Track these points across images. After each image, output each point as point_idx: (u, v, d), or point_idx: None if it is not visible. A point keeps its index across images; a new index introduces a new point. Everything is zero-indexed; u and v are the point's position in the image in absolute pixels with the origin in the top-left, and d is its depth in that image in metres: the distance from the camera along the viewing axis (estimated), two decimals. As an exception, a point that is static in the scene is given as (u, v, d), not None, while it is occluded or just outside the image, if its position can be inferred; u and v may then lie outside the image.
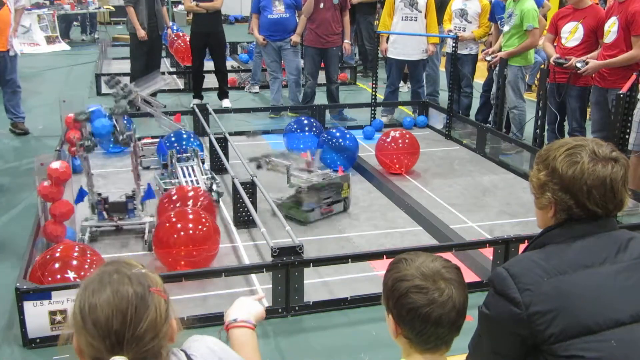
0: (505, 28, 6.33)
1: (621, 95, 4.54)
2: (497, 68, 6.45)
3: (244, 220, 4.50)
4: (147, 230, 4.17)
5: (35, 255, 3.50)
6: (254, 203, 4.47)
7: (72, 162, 5.36)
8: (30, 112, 7.21)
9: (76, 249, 3.34)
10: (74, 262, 3.23)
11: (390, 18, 7.32)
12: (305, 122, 6.38)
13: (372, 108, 7.50)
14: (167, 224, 3.75)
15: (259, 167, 4.93)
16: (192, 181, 4.89)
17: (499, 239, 3.74)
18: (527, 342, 1.56)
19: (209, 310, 3.36)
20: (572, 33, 5.51)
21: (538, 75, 7.47)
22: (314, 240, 4.33)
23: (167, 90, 9.27)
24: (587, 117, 5.90)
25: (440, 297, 1.48)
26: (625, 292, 1.56)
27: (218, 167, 5.56)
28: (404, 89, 8.97)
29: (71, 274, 3.16)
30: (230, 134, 5.98)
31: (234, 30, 14.51)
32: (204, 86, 8.50)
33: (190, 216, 3.81)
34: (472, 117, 7.22)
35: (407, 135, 5.78)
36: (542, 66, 6.38)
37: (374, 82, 7.48)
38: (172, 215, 3.81)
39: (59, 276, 3.14)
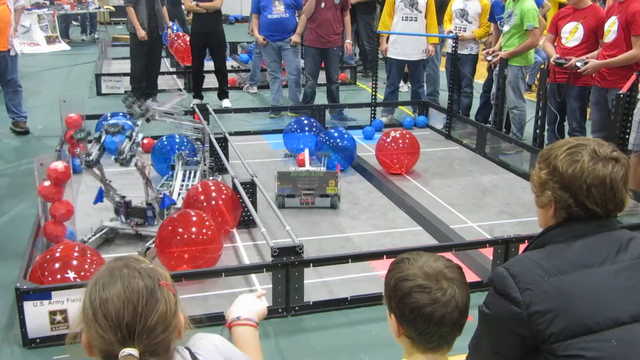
0: (505, 28, 6.33)
1: (621, 95, 4.54)
2: (497, 68, 6.46)
3: (244, 220, 4.50)
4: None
5: (35, 255, 3.50)
6: (254, 203, 4.47)
7: (72, 162, 5.36)
8: (30, 112, 7.21)
9: (76, 249, 3.34)
10: (74, 262, 3.23)
11: (390, 18, 7.32)
12: (305, 122, 6.38)
13: (372, 108, 7.50)
14: (170, 227, 3.74)
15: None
16: (184, 185, 4.80)
17: (499, 239, 3.74)
18: (527, 342, 1.56)
19: (209, 310, 3.36)
20: (572, 33, 5.51)
21: (538, 75, 7.48)
22: (314, 240, 4.33)
23: (167, 90, 9.28)
24: (587, 117, 5.90)
25: (443, 296, 1.49)
26: (625, 292, 1.56)
27: (218, 167, 5.55)
28: (404, 88, 8.97)
29: (71, 274, 3.16)
30: (230, 134, 5.97)
31: (234, 30, 14.52)
32: (204, 86, 8.50)
33: (194, 218, 3.79)
34: (472, 117, 7.22)
35: (407, 136, 5.78)
36: (542, 66, 6.38)
37: (374, 82, 7.48)
38: (175, 218, 3.80)
39: (59, 276, 3.14)
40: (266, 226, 3.99)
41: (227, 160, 5.29)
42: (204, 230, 3.71)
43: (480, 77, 7.79)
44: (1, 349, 3.08)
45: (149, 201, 4.22)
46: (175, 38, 10.18)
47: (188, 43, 9.11)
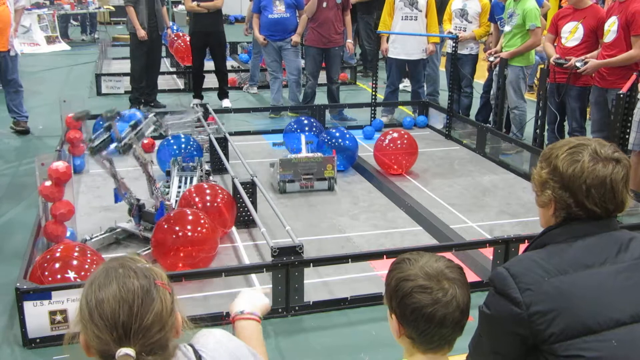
0: (507, 28, 6.32)
1: (621, 95, 4.54)
2: (497, 68, 6.45)
3: (244, 220, 4.50)
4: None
5: (35, 255, 3.50)
6: (254, 203, 4.46)
7: (73, 162, 5.36)
8: (30, 112, 7.21)
9: (76, 249, 3.34)
10: (74, 262, 3.23)
11: (390, 18, 7.32)
12: (305, 121, 6.39)
13: (372, 108, 7.50)
14: (166, 226, 3.75)
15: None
16: (181, 192, 4.73)
17: (499, 239, 3.74)
18: (528, 342, 1.56)
19: (209, 310, 3.36)
20: (572, 33, 5.51)
21: (538, 75, 7.48)
22: (314, 240, 4.33)
23: (167, 90, 9.29)
24: (587, 117, 5.90)
25: (444, 297, 1.48)
26: (625, 292, 1.56)
27: (218, 167, 5.56)
28: (407, 88, 8.95)
29: (71, 274, 3.16)
30: (230, 134, 5.98)
31: (234, 30, 14.51)
32: (204, 86, 8.51)
33: (190, 217, 3.79)
34: (472, 117, 7.22)
35: (406, 136, 5.78)
36: (542, 66, 6.38)
37: (374, 82, 7.48)
38: (171, 217, 3.80)
39: (59, 276, 3.14)
40: (266, 226, 3.99)
41: (227, 160, 5.29)
42: (199, 229, 3.70)
43: (480, 77, 7.79)
44: (1, 349, 3.08)
45: (152, 198, 4.21)
46: (175, 38, 10.18)
47: (188, 43, 9.10)
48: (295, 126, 6.32)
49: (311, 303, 3.45)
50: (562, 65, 5.45)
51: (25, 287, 3.00)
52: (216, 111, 6.68)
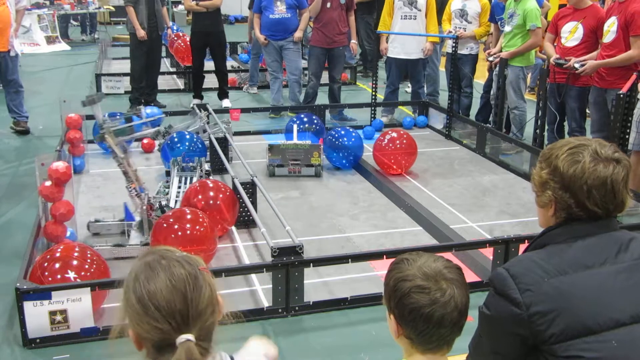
0: (507, 28, 6.32)
1: (621, 95, 4.54)
2: (497, 68, 6.45)
3: (244, 220, 4.50)
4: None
5: (35, 256, 3.50)
6: (254, 203, 4.47)
7: (73, 162, 5.36)
8: (30, 112, 7.21)
9: (76, 249, 3.34)
10: (75, 262, 3.23)
11: (390, 17, 7.33)
12: (306, 119, 6.44)
13: (372, 108, 7.50)
14: (165, 225, 3.75)
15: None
16: (181, 193, 4.74)
17: (499, 239, 3.74)
18: (528, 343, 1.56)
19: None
20: (572, 33, 5.51)
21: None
22: (314, 240, 4.33)
23: (167, 90, 9.29)
24: (587, 117, 5.90)
25: (442, 297, 1.48)
26: (625, 293, 1.56)
27: (218, 167, 5.56)
28: (407, 90, 8.94)
29: (71, 274, 3.16)
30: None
31: (234, 30, 14.51)
32: (204, 86, 8.51)
33: (188, 216, 3.79)
34: (472, 117, 7.22)
35: (405, 136, 5.78)
36: (543, 66, 6.38)
37: (374, 82, 7.48)
38: (170, 216, 3.80)
39: (59, 276, 3.14)
40: (266, 226, 4.00)
41: (227, 160, 5.29)
42: (198, 227, 3.70)
43: (480, 77, 7.79)
44: (1, 349, 3.08)
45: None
46: (175, 38, 10.18)
47: (188, 43, 9.11)
48: (297, 122, 6.41)
49: (311, 303, 3.45)
50: (561, 66, 5.45)
51: (25, 287, 3.00)
52: (216, 111, 6.68)
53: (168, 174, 5.08)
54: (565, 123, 5.95)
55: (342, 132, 5.84)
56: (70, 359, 2.96)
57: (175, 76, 10.45)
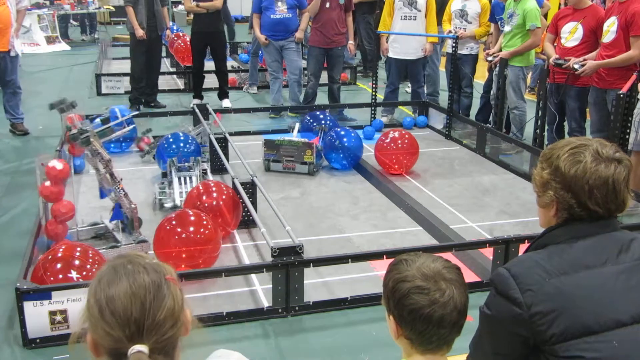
0: (507, 28, 6.32)
1: (621, 96, 4.54)
2: (497, 68, 6.45)
3: (244, 220, 4.50)
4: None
5: (36, 255, 3.50)
6: (254, 203, 4.47)
7: (73, 162, 5.35)
8: (30, 112, 7.21)
9: (78, 249, 3.34)
10: (76, 262, 3.23)
11: (390, 18, 7.33)
12: (321, 116, 6.60)
13: (372, 108, 7.50)
14: (168, 227, 3.74)
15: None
16: (182, 192, 4.77)
17: (499, 239, 3.73)
18: (528, 343, 1.56)
19: (209, 310, 3.37)
20: (572, 33, 5.51)
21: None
22: (314, 240, 4.33)
23: (167, 90, 9.29)
24: (587, 117, 5.89)
25: (441, 297, 1.48)
26: (626, 293, 1.56)
27: (218, 167, 5.56)
28: (408, 89, 8.94)
29: (74, 274, 3.16)
30: (231, 134, 5.98)
31: (235, 30, 14.50)
32: (204, 86, 8.51)
33: (191, 218, 3.79)
34: (472, 117, 7.22)
35: (407, 136, 5.78)
36: (544, 66, 6.38)
37: (374, 82, 7.48)
38: (173, 217, 3.80)
39: (61, 276, 3.15)
40: (266, 226, 4.00)
41: (227, 160, 5.30)
42: (202, 230, 3.70)
43: (480, 77, 7.79)
44: (1, 349, 3.08)
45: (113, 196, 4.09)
46: (175, 38, 10.19)
47: (188, 43, 9.12)
48: (309, 119, 6.54)
49: (311, 303, 3.45)
50: (561, 66, 5.45)
51: (25, 287, 3.00)
52: (216, 111, 6.68)
53: (164, 175, 5.08)
54: (565, 123, 5.95)
55: (342, 133, 5.84)
56: (70, 359, 2.96)
57: (175, 76, 10.45)
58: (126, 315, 1.20)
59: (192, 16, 9.02)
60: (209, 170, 5.34)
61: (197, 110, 6.48)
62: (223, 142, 5.67)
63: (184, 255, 3.61)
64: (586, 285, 1.56)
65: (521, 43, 6.17)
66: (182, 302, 1.29)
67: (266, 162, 5.71)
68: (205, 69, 8.40)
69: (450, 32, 7.20)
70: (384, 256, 3.51)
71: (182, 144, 5.39)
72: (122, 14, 8.11)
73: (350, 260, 3.56)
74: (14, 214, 4.75)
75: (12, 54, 6.56)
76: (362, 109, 7.64)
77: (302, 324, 3.36)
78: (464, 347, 1.74)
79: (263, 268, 3.53)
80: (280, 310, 3.40)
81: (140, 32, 7.69)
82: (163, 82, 9.33)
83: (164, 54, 10.22)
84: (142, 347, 1.19)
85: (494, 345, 1.65)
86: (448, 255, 3.36)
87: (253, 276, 3.79)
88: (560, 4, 10.27)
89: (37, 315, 3.01)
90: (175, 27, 11.86)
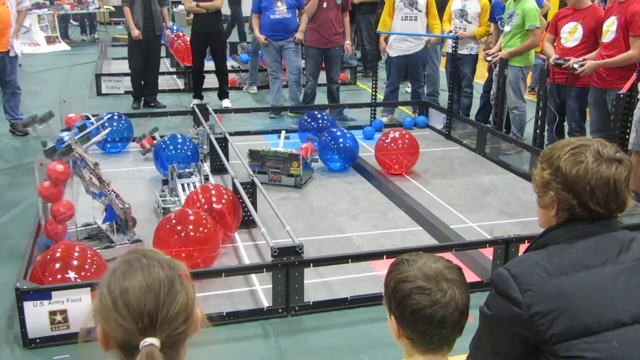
0: (506, 28, 6.32)
1: (621, 96, 4.54)
2: (497, 68, 6.45)
3: (244, 220, 4.49)
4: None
5: (35, 256, 3.50)
6: (254, 203, 4.47)
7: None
8: (30, 112, 7.15)
9: (76, 249, 3.34)
10: (75, 262, 3.23)
11: (390, 18, 7.33)
12: (319, 116, 6.56)
13: (372, 108, 7.50)
14: (168, 226, 3.74)
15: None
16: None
17: (499, 239, 3.73)
18: (528, 343, 1.56)
19: (209, 310, 3.36)
20: (572, 33, 5.51)
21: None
22: (314, 240, 4.33)
23: (167, 90, 9.29)
24: (587, 117, 5.90)
25: (443, 298, 1.48)
26: (626, 293, 1.56)
27: (218, 167, 5.55)
28: (408, 90, 8.94)
29: (72, 274, 3.16)
30: (231, 134, 5.98)
31: (234, 30, 14.50)
32: (204, 86, 8.51)
33: (191, 217, 3.79)
34: (472, 117, 7.22)
35: (407, 136, 5.78)
36: (543, 67, 6.38)
37: (374, 82, 7.48)
38: (173, 217, 3.80)
39: (59, 276, 3.14)
40: (266, 226, 4.00)
41: (227, 160, 5.29)
42: (201, 229, 3.70)
43: (480, 77, 7.79)
44: (1, 349, 3.08)
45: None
46: (175, 38, 10.19)
47: (188, 43, 9.12)
48: (308, 120, 6.49)
49: (311, 303, 3.45)
50: (561, 66, 5.45)
51: (25, 287, 3.00)
52: (216, 111, 6.68)
53: (165, 182, 5.00)
54: (565, 123, 5.95)
55: (338, 134, 5.82)
56: (70, 359, 2.96)
57: (175, 76, 10.45)
58: (140, 307, 1.20)
59: (192, 16, 9.03)
60: (210, 177, 5.35)
61: (197, 110, 6.48)
62: (223, 142, 5.67)
63: (183, 255, 3.61)
64: (586, 285, 1.56)
65: (521, 43, 6.17)
66: (195, 299, 1.30)
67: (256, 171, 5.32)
68: (205, 69, 8.40)
69: (450, 32, 7.21)
70: (384, 256, 3.51)
71: (179, 146, 5.36)
72: (122, 14, 8.12)
73: (350, 260, 3.56)
74: (13, 214, 4.75)
75: (12, 54, 6.56)
76: (362, 109, 7.64)
77: (302, 324, 3.36)
78: (464, 347, 1.74)
79: (263, 268, 3.53)
80: (280, 310, 3.40)
81: (135, 32, 7.71)
82: (163, 82, 9.33)
83: (163, 54, 10.23)
84: (154, 340, 1.19)
85: (494, 345, 1.65)
86: (448, 255, 3.36)
87: (253, 276, 3.79)
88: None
89: (37, 315, 3.01)
90: (175, 27, 11.85)
